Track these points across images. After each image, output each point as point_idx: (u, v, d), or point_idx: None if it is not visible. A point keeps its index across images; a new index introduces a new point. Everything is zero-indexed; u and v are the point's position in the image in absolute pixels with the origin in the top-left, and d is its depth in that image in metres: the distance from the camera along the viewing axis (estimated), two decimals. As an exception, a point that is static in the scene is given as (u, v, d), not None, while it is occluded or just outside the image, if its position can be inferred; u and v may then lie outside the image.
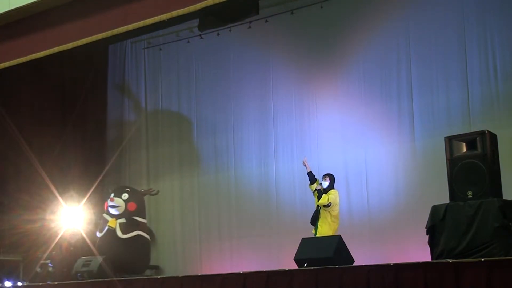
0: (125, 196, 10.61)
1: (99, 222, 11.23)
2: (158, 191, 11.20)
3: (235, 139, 11.96)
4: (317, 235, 8.92)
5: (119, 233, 10.51)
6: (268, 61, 11.72)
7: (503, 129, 8.66)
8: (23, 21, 9.39)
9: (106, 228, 10.57)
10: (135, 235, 10.50)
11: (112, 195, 10.68)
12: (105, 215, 10.91)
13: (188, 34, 12.37)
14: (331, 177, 9.28)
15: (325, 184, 9.19)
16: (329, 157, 10.91)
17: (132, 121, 13.17)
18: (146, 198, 11.83)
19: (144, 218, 10.89)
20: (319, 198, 9.13)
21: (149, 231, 11.42)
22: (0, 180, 11.69)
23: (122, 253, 10.32)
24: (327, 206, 9.00)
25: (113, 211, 10.66)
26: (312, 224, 9.16)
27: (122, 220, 10.63)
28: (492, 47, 9.71)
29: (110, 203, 10.62)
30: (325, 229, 8.95)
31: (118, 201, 10.57)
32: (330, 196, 9.07)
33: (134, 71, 13.32)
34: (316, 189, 9.22)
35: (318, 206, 9.13)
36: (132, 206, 10.61)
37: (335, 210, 9.08)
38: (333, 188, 9.24)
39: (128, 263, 10.33)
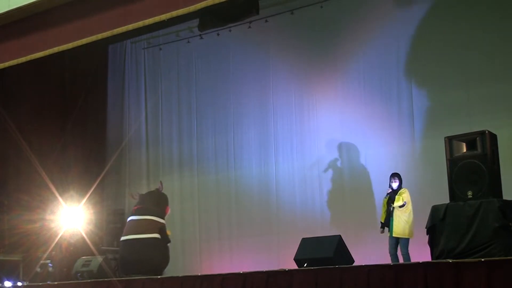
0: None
1: None
2: (160, 183, 10.83)
3: (235, 139, 11.96)
4: (393, 235, 8.89)
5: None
6: (268, 61, 11.73)
7: (503, 129, 8.65)
8: (23, 21, 9.37)
9: None
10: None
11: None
12: None
13: (188, 34, 12.38)
14: (400, 177, 9.17)
15: (395, 185, 9.07)
16: (329, 157, 10.92)
17: (132, 121, 13.17)
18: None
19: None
20: (391, 200, 9.03)
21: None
22: (0, 180, 11.69)
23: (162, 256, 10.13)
24: (402, 206, 8.96)
25: None
26: (384, 226, 9.07)
27: None
28: (492, 47, 9.71)
29: None
30: (400, 228, 8.89)
31: None
32: (403, 195, 8.98)
33: (134, 71, 13.32)
34: (387, 193, 9.15)
35: (390, 207, 9.02)
36: (167, 210, 10.51)
37: (409, 207, 8.99)
38: (402, 187, 9.16)
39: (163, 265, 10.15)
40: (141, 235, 9.71)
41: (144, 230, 9.75)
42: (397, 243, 8.92)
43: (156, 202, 10.16)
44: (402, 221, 8.88)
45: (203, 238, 12.08)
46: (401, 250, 8.89)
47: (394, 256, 8.92)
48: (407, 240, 8.85)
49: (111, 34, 8.76)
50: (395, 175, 9.11)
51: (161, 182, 10.56)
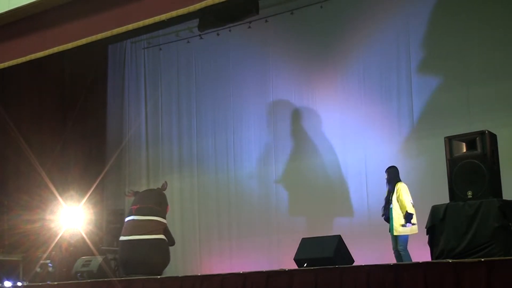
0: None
1: None
2: (165, 183, 10.79)
3: (235, 139, 11.96)
4: (395, 234, 8.79)
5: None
6: (268, 61, 11.73)
7: (503, 129, 8.65)
8: (23, 21, 9.37)
9: None
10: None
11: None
12: None
13: (188, 34, 12.38)
14: (388, 171, 9.05)
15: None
16: (328, 157, 10.92)
17: (132, 121, 13.17)
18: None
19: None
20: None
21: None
22: (0, 180, 11.69)
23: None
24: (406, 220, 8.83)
25: None
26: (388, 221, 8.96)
27: None
28: (492, 46, 9.71)
29: None
30: (398, 222, 8.81)
31: None
32: (401, 197, 8.81)
33: (134, 71, 13.32)
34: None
35: (389, 203, 8.89)
36: (167, 209, 10.46)
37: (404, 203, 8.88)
38: (399, 181, 8.98)
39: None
40: (146, 236, 9.67)
41: (149, 231, 9.71)
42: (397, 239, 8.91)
43: (158, 202, 10.12)
44: (400, 218, 8.81)
45: (203, 238, 12.08)
46: (398, 246, 8.84)
47: (398, 252, 8.89)
48: (404, 237, 8.83)
49: (111, 34, 8.75)
50: (386, 171, 9.08)
51: (166, 182, 10.51)
